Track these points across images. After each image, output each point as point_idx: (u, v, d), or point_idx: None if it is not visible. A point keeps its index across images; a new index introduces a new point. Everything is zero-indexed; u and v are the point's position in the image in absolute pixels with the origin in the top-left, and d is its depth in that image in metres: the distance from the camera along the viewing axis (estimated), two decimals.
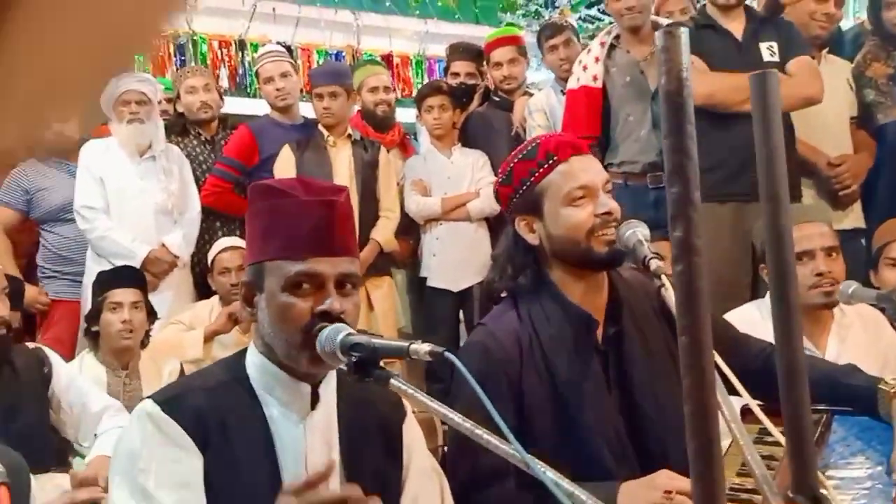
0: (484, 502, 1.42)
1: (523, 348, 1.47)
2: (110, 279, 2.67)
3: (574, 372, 1.45)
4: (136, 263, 3.01)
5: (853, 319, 2.29)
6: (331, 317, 1.14)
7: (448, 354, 0.95)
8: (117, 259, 3.04)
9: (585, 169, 1.48)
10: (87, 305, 3.01)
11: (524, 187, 1.50)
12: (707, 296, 0.68)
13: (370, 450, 1.25)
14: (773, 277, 0.75)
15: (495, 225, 3.59)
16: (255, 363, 1.24)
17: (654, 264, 1.28)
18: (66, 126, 3.08)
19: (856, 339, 2.24)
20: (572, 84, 3.25)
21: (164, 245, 3.16)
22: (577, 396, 1.44)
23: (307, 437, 1.21)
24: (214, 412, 1.18)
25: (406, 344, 0.99)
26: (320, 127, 3.36)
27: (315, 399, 1.23)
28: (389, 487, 1.25)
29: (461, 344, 3.53)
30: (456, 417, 0.94)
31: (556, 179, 1.47)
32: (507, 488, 1.40)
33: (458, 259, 3.53)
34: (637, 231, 1.38)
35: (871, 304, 2.17)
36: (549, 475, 0.85)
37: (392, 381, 0.99)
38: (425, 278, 3.60)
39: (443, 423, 2.86)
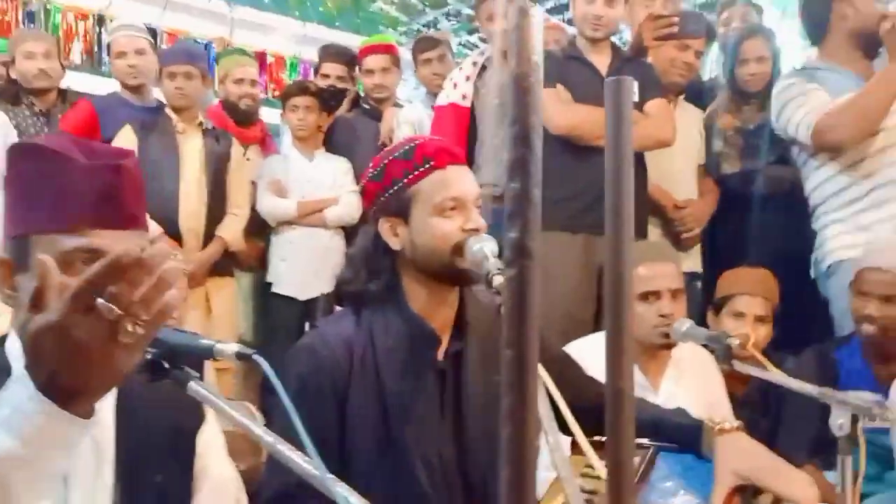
0: None
1: (354, 357, 1.39)
2: None
3: (406, 389, 1.38)
4: None
5: (688, 361, 2.36)
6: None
7: (256, 357, 0.84)
8: None
9: (460, 180, 1.42)
10: None
11: (395, 187, 1.42)
12: (538, 307, 0.62)
13: (153, 462, 1.10)
14: (609, 307, 0.69)
15: (351, 235, 3.49)
16: (11, 351, 1.05)
17: (497, 280, 1.23)
18: None
19: (689, 380, 2.31)
20: (441, 100, 3.23)
21: None
22: (404, 415, 1.37)
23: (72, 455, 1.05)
24: None
25: (211, 342, 0.87)
26: (168, 111, 3.13)
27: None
28: (174, 501, 1.12)
29: None
30: (258, 429, 0.83)
31: (429, 186, 1.41)
32: None
33: (308, 267, 3.39)
34: (485, 246, 1.33)
35: (702, 344, 2.24)
36: (341, 492, 0.76)
37: (191, 384, 0.87)
38: (271, 284, 3.43)
39: None
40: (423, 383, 1.39)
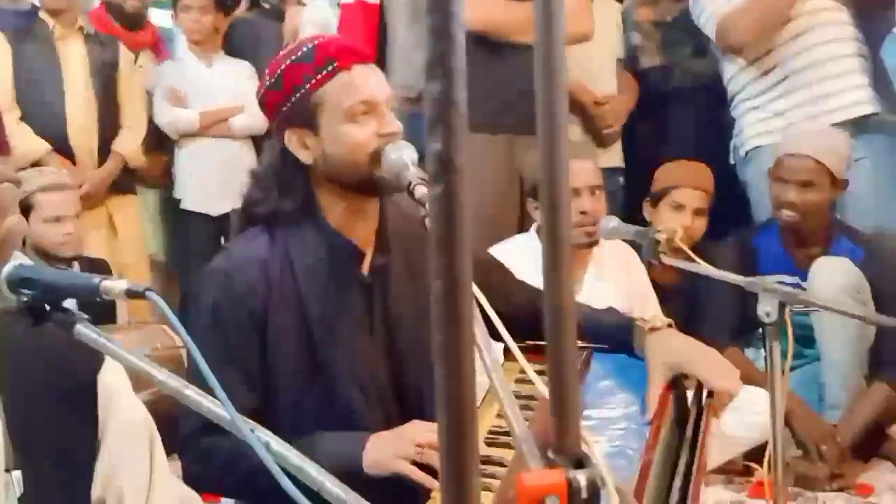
0: (205, 450, 1.25)
1: (272, 278, 1.29)
2: None
3: (330, 307, 1.30)
4: None
5: (608, 257, 2.36)
6: None
7: (150, 294, 0.74)
8: None
9: (369, 80, 1.29)
10: None
11: (297, 94, 1.28)
12: (470, 229, 0.54)
13: (48, 410, 1.00)
14: (546, 212, 0.62)
15: (261, 143, 3.31)
16: None
17: (420, 191, 1.14)
18: None
19: (611, 276, 2.31)
20: None
21: None
22: (330, 334, 1.29)
23: None
24: None
25: (97, 279, 0.76)
26: (43, 14, 2.82)
27: None
28: (76, 452, 1.03)
29: None
30: (159, 374, 0.74)
31: (335, 90, 1.27)
32: (228, 440, 1.25)
33: (217, 180, 3.20)
34: (404, 153, 1.23)
35: (627, 241, 2.24)
36: (257, 435, 0.69)
37: (77, 326, 0.76)
38: (180, 200, 3.25)
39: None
40: (348, 301, 1.31)
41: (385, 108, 1.30)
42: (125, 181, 2.99)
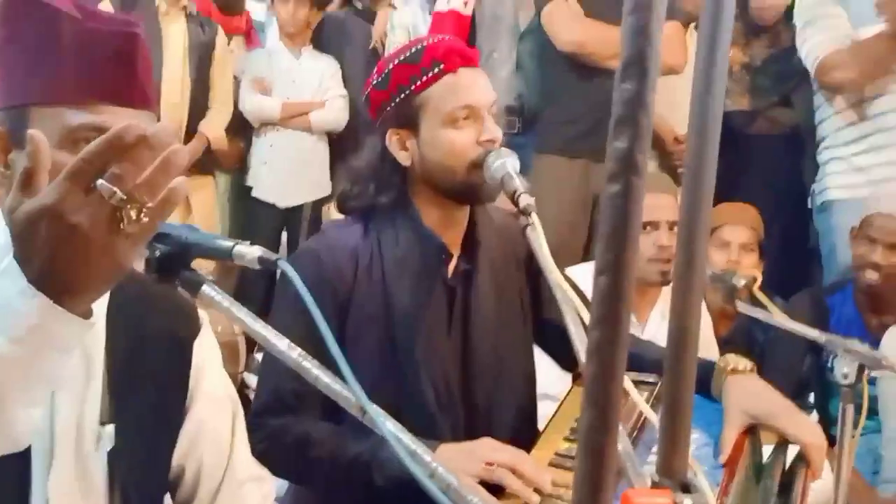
0: (276, 431, 1.26)
1: (360, 265, 1.30)
2: None
3: (414, 301, 1.30)
4: None
5: None
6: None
7: (282, 263, 0.75)
8: None
9: (473, 85, 1.29)
10: None
11: (402, 96, 1.30)
12: (639, 230, 0.54)
13: (145, 371, 1.01)
14: (682, 244, 0.62)
15: (336, 141, 3.35)
16: (2, 245, 0.94)
17: (525, 200, 1.14)
18: None
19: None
20: (441, 6, 3.06)
21: None
22: (411, 328, 1.29)
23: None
24: None
25: (231, 243, 0.78)
26: None
27: None
28: (167, 414, 1.04)
29: None
30: (281, 344, 0.75)
31: (438, 92, 1.28)
32: (306, 419, 1.26)
33: (290, 172, 3.26)
34: (507, 162, 1.23)
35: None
36: (389, 427, 0.69)
37: (205, 287, 0.78)
38: (251, 188, 3.30)
39: (248, 349, 2.63)
40: (431, 298, 1.31)
41: (486, 114, 1.30)
42: (205, 162, 3.05)
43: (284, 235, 3.38)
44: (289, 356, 0.76)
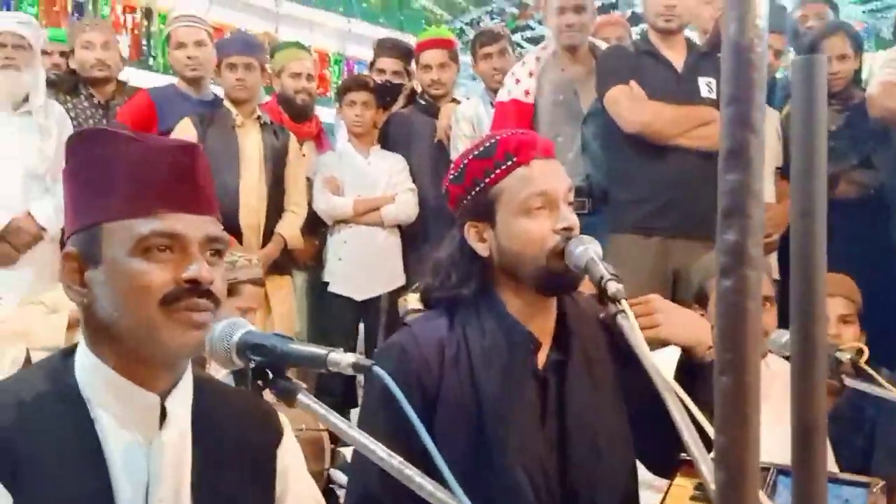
0: None
1: (447, 357, 1.29)
2: None
3: (505, 393, 1.27)
4: None
5: (773, 377, 2.22)
6: (197, 290, 0.91)
7: (377, 370, 0.74)
8: None
9: (548, 175, 1.29)
10: None
11: (476, 189, 1.31)
12: (759, 325, 0.51)
13: (231, 479, 1.01)
14: (798, 321, 0.59)
15: (408, 234, 3.40)
16: (85, 366, 0.96)
17: (613, 286, 1.12)
18: None
19: (776, 396, 2.17)
20: (503, 96, 3.13)
21: (30, 214, 2.76)
22: (503, 420, 1.26)
23: (151, 463, 0.95)
24: (28, 436, 0.90)
25: (324, 352, 0.78)
26: (227, 104, 3.06)
27: (164, 414, 0.97)
28: None
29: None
30: (379, 451, 0.74)
31: (513, 184, 1.28)
32: None
33: (364, 266, 3.31)
34: (589, 248, 1.22)
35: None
36: None
37: (300, 395, 0.78)
38: (327, 283, 3.36)
39: (333, 443, 2.62)
40: (522, 389, 1.28)
41: (562, 203, 1.29)
42: (283, 262, 3.12)
43: (361, 328, 3.41)
44: (389, 464, 0.74)
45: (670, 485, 1.35)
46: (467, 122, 3.35)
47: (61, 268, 0.96)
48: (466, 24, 7.13)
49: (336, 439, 2.57)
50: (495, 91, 3.25)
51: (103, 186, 0.94)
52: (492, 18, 7.22)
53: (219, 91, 3.25)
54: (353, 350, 3.46)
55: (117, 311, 0.92)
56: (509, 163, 1.30)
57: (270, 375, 0.81)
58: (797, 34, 3.35)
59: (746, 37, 0.49)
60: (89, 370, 0.95)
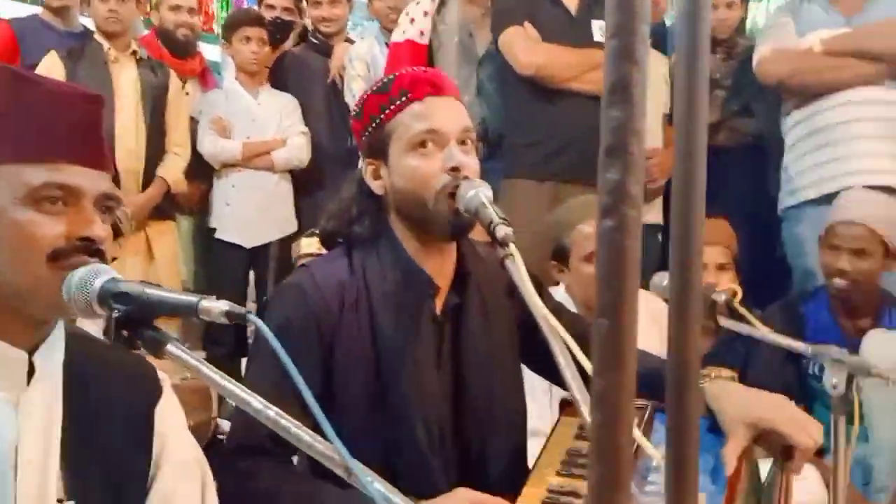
0: (246, 473, 1.20)
1: (346, 301, 1.26)
2: None
3: (401, 337, 1.26)
4: None
5: (643, 312, 2.29)
6: (88, 247, 0.85)
7: (252, 317, 0.70)
8: None
9: (438, 111, 1.26)
10: None
11: (372, 125, 1.28)
12: (638, 265, 0.50)
13: (105, 439, 0.96)
14: (675, 264, 0.58)
15: (300, 178, 3.31)
16: None
17: (502, 230, 1.10)
18: None
19: (645, 335, 2.24)
20: (397, 37, 3.04)
21: None
22: (399, 364, 1.25)
23: (19, 422, 0.89)
24: None
25: (195, 298, 0.73)
26: (98, 37, 2.85)
27: (31, 371, 0.91)
28: (129, 487, 0.98)
29: (247, 305, 3.21)
30: (255, 403, 0.70)
31: (404, 120, 1.25)
32: (281, 463, 1.22)
33: (254, 212, 3.21)
34: (480, 192, 1.19)
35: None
36: (377, 487, 0.64)
37: (169, 346, 0.73)
38: (214, 229, 3.23)
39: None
40: (420, 334, 1.26)
41: (454, 142, 1.26)
42: (165, 207, 2.99)
43: (251, 276, 3.33)
44: (265, 415, 0.71)
45: (556, 423, 1.38)
46: (361, 62, 3.25)
47: None
48: None
49: None
50: (390, 31, 3.16)
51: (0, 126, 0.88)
52: None
53: (89, 23, 3.01)
54: (244, 299, 3.37)
55: None
56: (403, 98, 1.26)
57: (138, 326, 0.76)
58: None
59: None
60: None
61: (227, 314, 0.72)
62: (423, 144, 1.24)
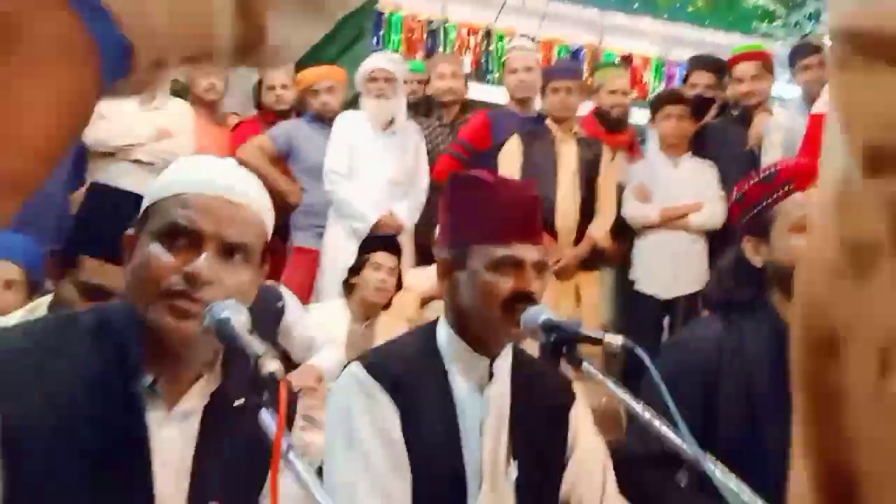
0: (639, 480, 1.49)
1: (724, 357, 1.51)
2: (376, 242, 3.01)
3: (775, 393, 1.45)
4: (367, 226, 3.34)
5: None
6: (529, 297, 1.29)
7: (638, 350, 1.05)
8: (353, 220, 3.38)
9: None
10: (326, 257, 3.41)
11: (756, 209, 1.54)
12: None
13: (537, 428, 1.38)
14: None
15: (715, 239, 3.53)
16: (443, 336, 1.40)
17: None
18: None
19: None
20: (820, 107, 3.10)
21: (392, 213, 3.44)
22: (769, 411, 1.45)
23: (483, 404, 1.35)
24: (409, 378, 1.33)
25: (603, 332, 1.11)
26: (549, 121, 3.49)
27: (491, 373, 1.37)
28: (552, 469, 1.38)
29: None
30: (637, 406, 1.05)
31: (788, 207, 1.49)
32: (667, 476, 1.50)
33: (669, 268, 3.53)
34: None
35: None
36: (724, 479, 0.92)
37: (584, 363, 1.12)
38: (633, 282, 3.64)
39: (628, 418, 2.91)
40: (788, 392, 1.46)
41: None
42: (593, 260, 3.48)
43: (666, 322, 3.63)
44: (651, 425, 1.05)
45: None
46: (779, 132, 3.38)
47: (437, 267, 1.43)
48: (805, 18, 6.77)
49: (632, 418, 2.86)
50: (813, 101, 3.23)
51: (474, 218, 1.37)
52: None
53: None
54: (658, 343, 3.69)
55: (471, 304, 1.36)
56: (787, 188, 1.50)
57: (564, 349, 1.16)
58: None
59: None
60: (445, 338, 1.40)
61: (623, 346, 1.08)
62: (805, 226, 1.46)
